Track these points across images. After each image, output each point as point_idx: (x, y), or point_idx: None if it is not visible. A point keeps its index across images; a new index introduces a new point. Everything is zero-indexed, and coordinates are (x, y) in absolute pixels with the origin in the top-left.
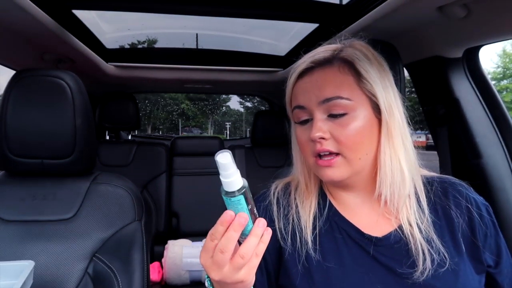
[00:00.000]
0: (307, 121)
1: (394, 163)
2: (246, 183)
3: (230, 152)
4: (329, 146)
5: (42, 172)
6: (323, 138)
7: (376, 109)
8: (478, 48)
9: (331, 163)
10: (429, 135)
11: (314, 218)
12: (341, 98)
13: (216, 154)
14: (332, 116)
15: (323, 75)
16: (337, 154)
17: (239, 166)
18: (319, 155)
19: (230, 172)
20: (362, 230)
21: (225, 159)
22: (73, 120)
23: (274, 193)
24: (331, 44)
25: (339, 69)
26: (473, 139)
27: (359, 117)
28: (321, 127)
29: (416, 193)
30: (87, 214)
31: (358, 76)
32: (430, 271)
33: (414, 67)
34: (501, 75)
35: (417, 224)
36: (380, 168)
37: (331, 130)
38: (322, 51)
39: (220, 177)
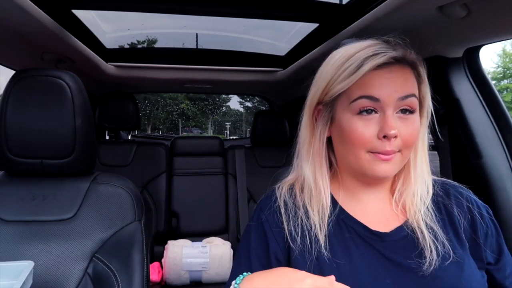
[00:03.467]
0: (369, 112)
1: (424, 165)
2: None
3: None
4: (394, 146)
5: (42, 172)
6: (395, 137)
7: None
8: (478, 48)
9: (391, 158)
10: (429, 135)
11: (323, 217)
12: (415, 96)
13: None
14: (402, 112)
15: (403, 73)
16: (396, 151)
17: (239, 166)
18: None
19: None
20: (370, 227)
21: None
22: (73, 120)
23: (280, 196)
24: (387, 41)
25: (411, 69)
26: (474, 139)
27: (417, 118)
28: (394, 125)
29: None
30: (87, 214)
31: (419, 79)
32: (437, 263)
33: None
34: (501, 75)
35: (423, 219)
36: (416, 169)
37: (398, 128)
38: (392, 48)
39: None
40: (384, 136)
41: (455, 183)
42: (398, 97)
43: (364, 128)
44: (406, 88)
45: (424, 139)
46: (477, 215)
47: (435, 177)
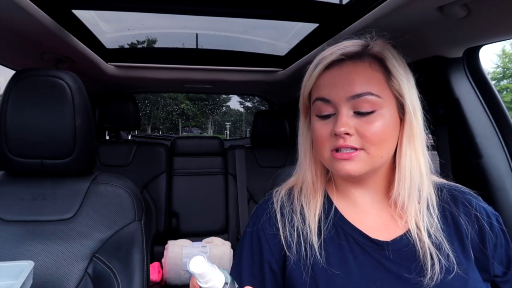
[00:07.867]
0: (329, 116)
1: (414, 165)
2: (228, 277)
3: (203, 255)
4: (352, 142)
5: (42, 172)
6: (348, 134)
7: (400, 109)
8: (478, 48)
9: (351, 156)
10: (429, 135)
11: (319, 221)
12: (371, 94)
13: (188, 261)
14: (359, 114)
15: (353, 69)
16: (359, 149)
17: (239, 166)
18: (336, 149)
19: (208, 278)
20: (369, 235)
21: (199, 268)
22: (73, 120)
23: (277, 201)
24: (354, 39)
25: (370, 65)
26: (473, 139)
27: (386, 115)
28: (347, 122)
29: (427, 198)
30: (87, 214)
31: (387, 73)
32: (439, 277)
33: (414, 67)
34: (501, 75)
35: (426, 228)
36: (400, 170)
37: (356, 126)
38: (350, 44)
39: (200, 284)
40: (336, 134)
41: (464, 189)
42: (347, 96)
43: (321, 128)
44: (356, 87)
45: (411, 136)
46: (486, 224)
47: (444, 181)
